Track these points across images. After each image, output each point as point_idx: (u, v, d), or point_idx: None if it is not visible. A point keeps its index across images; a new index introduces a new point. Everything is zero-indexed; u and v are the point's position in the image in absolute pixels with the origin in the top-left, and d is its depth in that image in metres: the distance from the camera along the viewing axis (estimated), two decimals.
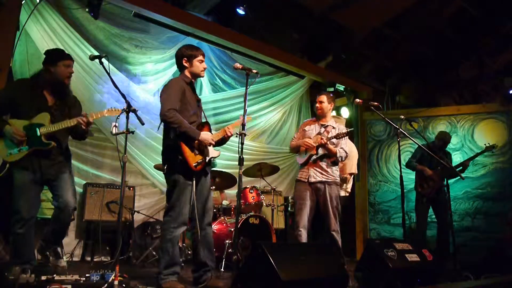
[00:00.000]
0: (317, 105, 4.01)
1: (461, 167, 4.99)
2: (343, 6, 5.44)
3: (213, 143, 3.09)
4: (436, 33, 6.23)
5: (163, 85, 3.11)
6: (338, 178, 3.92)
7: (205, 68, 3.21)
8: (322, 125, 3.98)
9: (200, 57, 3.14)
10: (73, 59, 3.17)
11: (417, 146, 5.09)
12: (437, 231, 5.00)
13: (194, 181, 3.03)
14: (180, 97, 3.00)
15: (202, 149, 3.06)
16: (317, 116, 4.06)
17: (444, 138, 5.12)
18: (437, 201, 4.91)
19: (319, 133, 3.89)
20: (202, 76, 3.31)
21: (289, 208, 6.16)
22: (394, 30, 6.11)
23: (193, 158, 2.99)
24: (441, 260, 4.65)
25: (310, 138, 3.87)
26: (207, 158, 3.10)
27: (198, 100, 3.24)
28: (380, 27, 5.97)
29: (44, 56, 3.15)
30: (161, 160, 5.29)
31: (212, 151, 3.16)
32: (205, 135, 3.02)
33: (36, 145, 2.90)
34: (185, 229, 3.06)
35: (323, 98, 3.99)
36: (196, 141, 3.00)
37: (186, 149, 2.97)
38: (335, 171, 3.88)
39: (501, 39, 6.27)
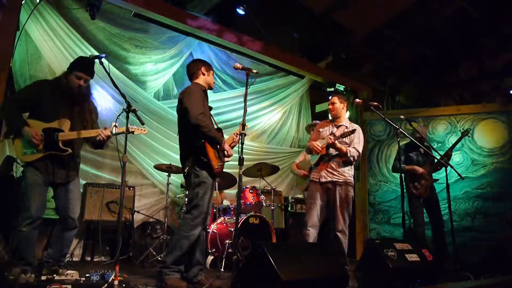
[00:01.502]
0: (330, 107, 4.07)
1: (445, 158, 4.80)
2: (343, 6, 5.44)
3: (232, 154, 3.27)
4: (436, 33, 6.23)
5: (183, 91, 3.23)
6: (351, 178, 3.89)
7: (213, 82, 3.47)
8: (335, 125, 4.03)
9: (213, 72, 3.41)
10: (90, 75, 3.13)
11: (399, 148, 5.04)
12: (431, 231, 4.90)
13: (216, 183, 3.19)
14: (203, 103, 3.16)
15: (219, 153, 3.22)
16: (332, 117, 4.13)
17: (418, 136, 4.81)
18: (430, 200, 4.81)
19: (331, 133, 3.92)
20: (212, 89, 3.52)
21: (289, 208, 6.16)
22: (394, 30, 6.11)
23: (215, 161, 3.14)
24: (440, 261, 4.62)
25: (323, 139, 3.90)
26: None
27: (211, 108, 3.40)
28: (380, 27, 5.97)
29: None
30: (160, 160, 5.35)
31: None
32: (227, 146, 3.20)
33: (53, 150, 2.95)
34: (201, 229, 3.12)
35: (335, 99, 4.04)
36: (219, 146, 3.17)
37: (211, 152, 3.12)
38: (347, 171, 3.85)
39: (501, 39, 6.27)
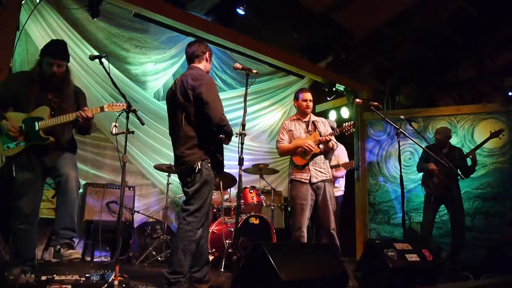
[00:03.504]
0: (309, 104, 3.84)
1: (470, 160, 4.76)
2: (343, 6, 5.45)
3: None
4: (436, 33, 6.23)
5: (197, 77, 2.89)
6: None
7: None
8: (304, 121, 3.87)
9: None
10: (63, 59, 2.94)
11: (422, 149, 5.03)
12: (451, 232, 4.85)
13: (221, 182, 3.08)
14: None
15: None
16: (304, 114, 3.88)
17: (435, 137, 4.96)
18: (448, 200, 4.74)
19: (308, 131, 3.80)
20: None
21: (289, 208, 6.16)
22: (394, 30, 6.11)
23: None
24: (454, 262, 4.58)
25: (300, 138, 3.75)
26: None
27: None
28: (380, 27, 5.97)
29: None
30: (160, 160, 5.34)
31: None
32: None
33: (33, 140, 2.85)
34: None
35: (310, 95, 3.87)
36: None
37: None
38: (329, 168, 3.82)
39: (501, 39, 6.27)
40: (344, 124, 3.69)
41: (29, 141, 2.85)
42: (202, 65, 3.08)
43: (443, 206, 4.89)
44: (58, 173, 2.89)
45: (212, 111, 2.79)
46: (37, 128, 2.85)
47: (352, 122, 3.68)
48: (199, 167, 2.82)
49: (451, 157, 4.65)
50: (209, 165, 2.88)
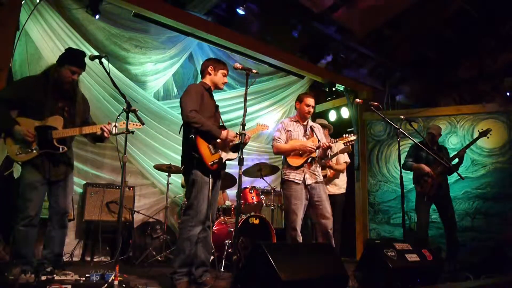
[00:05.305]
0: (311, 109, 3.90)
1: (457, 159, 4.77)
2: (343, 6, 5.44)
3: (235, 140, 3.17)
4: (436, 33, 6.23)
5: (184, 91, 3.26)
6: None
7: (225, 83, 3.41)
8: (303, 125, 3.93)
9: (225, 71, 3.36)
10: (84, 68, 3.08)
11: (410, 145, 5.05)
12: (444, 232, 4.85)
13: (211, 180, 3.11)
14: (199, 100, 3.14)
15: (219, 148, 3.17)
16: (303, 118, 3.94)
17: (429, 132, 4.92)
18: (439, 198, 4.75)
19: (306, 135, 3.87)
20: (221, 88, 3.49)
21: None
22: (394, 30, 6.11)
23: (209, 157, 3.08)
24: (453, 262, 4.58)
25: (298, 140, 3.80)
26: (224, 159, 3.19)
27: (216, 106, 3.36)
28: (380, 27, 5.97)
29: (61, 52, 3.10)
30: (160, 160, 5.35)
31: (230, 153, 3.25)
32: (226, 132, 3.12)
33: (47, 148, 2.90)
34: (201, 228, 3.08)
35: (313, 102, 3.94)
36: (219, 140, 3.12)
37: (203, 147, 3.06)
38: (320, 171, 3.90)
39: (501, 39, 6.27)
40: (344, 135, 3.78)
41: (43, 148, 2.89)
42: (208, 79, 3.33)
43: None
44: (57, 203, 3.00)
45: (182, 111, 3.05)
46: (51, 137, 2.91)
47: (353, 139, 3.78)
48: (184, 169, 3.15)
49: (438, 155, 4.64)
50: (192, 165, 3.06)
